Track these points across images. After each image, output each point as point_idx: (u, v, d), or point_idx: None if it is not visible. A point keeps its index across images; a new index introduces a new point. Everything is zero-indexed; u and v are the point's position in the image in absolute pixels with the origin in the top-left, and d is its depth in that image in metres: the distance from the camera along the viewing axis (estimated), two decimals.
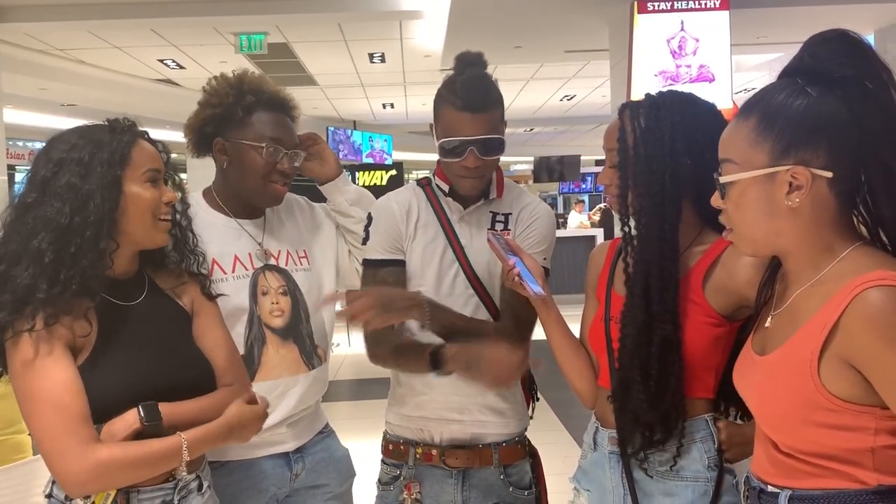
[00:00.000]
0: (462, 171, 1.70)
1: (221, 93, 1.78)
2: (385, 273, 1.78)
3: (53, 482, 1.37)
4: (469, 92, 1.66)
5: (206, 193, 1.86)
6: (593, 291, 1.63)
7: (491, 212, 1.80)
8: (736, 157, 1.15)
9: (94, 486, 1.30)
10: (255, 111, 1.78)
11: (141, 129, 1.49)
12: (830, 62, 1.11)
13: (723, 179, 1.17)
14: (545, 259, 1.77)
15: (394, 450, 1.82)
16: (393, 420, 1.84)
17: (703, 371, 1.44)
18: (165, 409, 1.36)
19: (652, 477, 1.46)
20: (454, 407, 1.75)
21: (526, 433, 1.85)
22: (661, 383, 1.39)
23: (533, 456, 1.85)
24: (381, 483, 1.84)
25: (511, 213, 1.81)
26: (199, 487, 1.45)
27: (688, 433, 1.43)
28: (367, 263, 1.82)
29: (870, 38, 6.67)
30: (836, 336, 1.05)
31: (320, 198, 2.04)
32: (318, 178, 1.98)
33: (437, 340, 1.68)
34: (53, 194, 1.36)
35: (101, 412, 1.32)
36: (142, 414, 1.33)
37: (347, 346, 7.44)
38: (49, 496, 1.38)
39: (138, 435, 1.33)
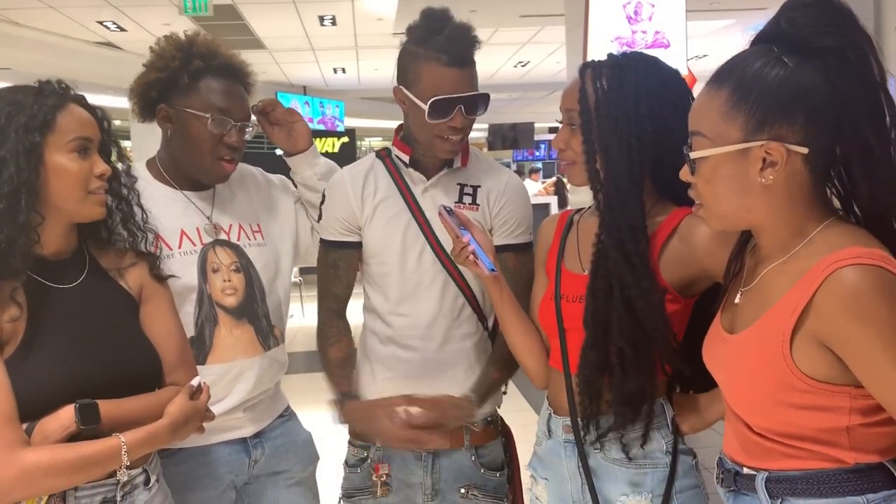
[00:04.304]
0: (446, 132, 1.61)
1: (168, 56, 1.67)
2: (336, 256, 1.74)
3: None
4: (457, 46, 1.57)
5: (150, 164, 1.76)
6: (542, 267, 1.57)
7: (458, 184, 1.72)
8: (707, 131, 1.11)
9: (21, 494, 1.19)
10: (203, 77, 1.66)
11: (77, 93, 1.36)
12: (809, 30, 1.06)
13: (693, 155, 1.12)
14: (528, 234, 1.72)
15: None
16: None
17: None
18: (105, 407, 1.25)
19: (609, 464, 1.43)
20: (422, 387, 1.68)
21: (498, 411, 1.80)
22: (643, 354, 1.34)
23: (506, 436, 1.80)
24: (348, 465, 1.78)
25: (480, 187, 1.72)
26: (146, 482, 1.36)
27: (646, 416, 1.39)
28: (322, 243, 1.78)
29: None
30: (808, 316, 1.03)
31: (275, 168, 1.95)
32: (285, 150, 1.89)
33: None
34: None
35: (33, 408, 1.22)
36: (78, 417, 1.21)
37: (301, 317, 7.35)
38: None
39: (74, 436, 1.22)
